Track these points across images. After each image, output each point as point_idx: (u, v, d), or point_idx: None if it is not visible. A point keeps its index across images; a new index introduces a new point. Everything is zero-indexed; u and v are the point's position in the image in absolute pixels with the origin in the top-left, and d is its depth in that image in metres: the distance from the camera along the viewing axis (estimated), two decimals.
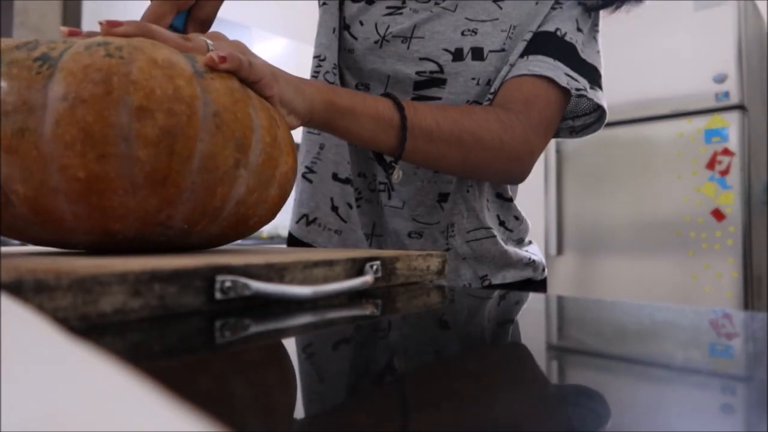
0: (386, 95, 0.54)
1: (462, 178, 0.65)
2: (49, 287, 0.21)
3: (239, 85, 0.37)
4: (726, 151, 1.99)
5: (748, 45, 2.05)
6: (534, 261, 0.72)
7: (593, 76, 0.64)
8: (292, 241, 0.73)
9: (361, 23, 0.65)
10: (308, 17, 3.71)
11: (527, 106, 0.59)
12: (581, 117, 0.70)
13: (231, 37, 0.47)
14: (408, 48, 0.63)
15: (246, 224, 0.38)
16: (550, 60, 0.60)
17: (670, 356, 0.23)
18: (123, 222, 0.32)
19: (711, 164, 2.02)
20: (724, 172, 1.99)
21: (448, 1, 0.63)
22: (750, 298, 1.94)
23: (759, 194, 2.14)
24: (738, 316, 0.33)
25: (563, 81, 0.59)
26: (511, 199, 0.72)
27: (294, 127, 0.46)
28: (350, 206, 0.67)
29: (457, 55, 0.62)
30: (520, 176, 0.62)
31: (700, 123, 2.05)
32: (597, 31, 0.67)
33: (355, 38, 0.65)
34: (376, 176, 0.69)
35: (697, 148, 2.05)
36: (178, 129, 0.31)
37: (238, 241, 2.76)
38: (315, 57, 0.68)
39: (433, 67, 0.63)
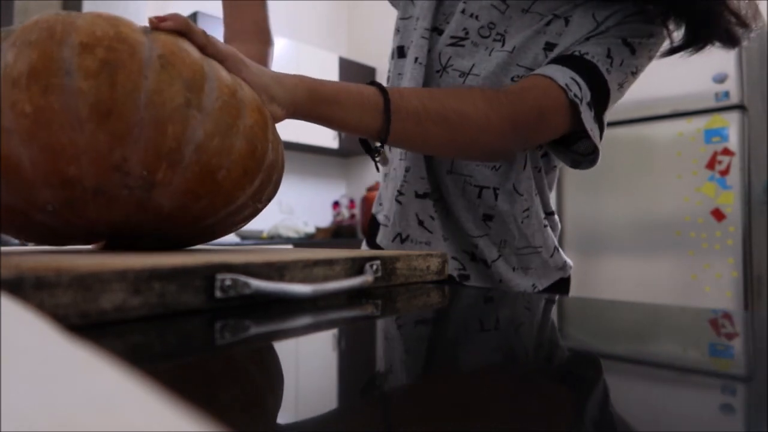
0: (371, 83, 0.55)
1: (511, 201, 0.68)
2: (49, 284, 0.21)
3: (195, 49, 0.38)
4: (726, 151, 1.98)
5: (748, 45, 2.04)
6: (566, 266, 0.77)
7: (600, 97, 0.62)
8: None
9: (429, 51, 0.69)
10: (308, 17, 3.71)
11: (523, 90, 0.60)
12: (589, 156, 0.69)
13: None
14: (464, 82, 0.66)
15: (213, 178, 0.37)
16: (558, 66, 0.61)
17: (670, 356, 0.23)
18: (77, 164, 0.32)
19: (711, 164, 2.01)
20: (724, 172, 1.98)
21: (507, 44, 0.64)
22: (750, 298, 1.94)
23: (759, 194, 2.14)
24: (738, 316, 0.33)
25: (562, 81, 0.59)
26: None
27: (279, 118, 0.45)
28: (432, 218, 0.71)
29: None
30: (509, 153, 0.64)
31: (700, 123, 2.04)
32: (635, 66, 0.65)
33: (421, 63, 0.69)
34: (441, 191, 0.73)
35: (697, 148, 2.05)
36: (119, 62, 0.33)
37: (237, 240, 2.75)
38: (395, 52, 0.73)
39: None
